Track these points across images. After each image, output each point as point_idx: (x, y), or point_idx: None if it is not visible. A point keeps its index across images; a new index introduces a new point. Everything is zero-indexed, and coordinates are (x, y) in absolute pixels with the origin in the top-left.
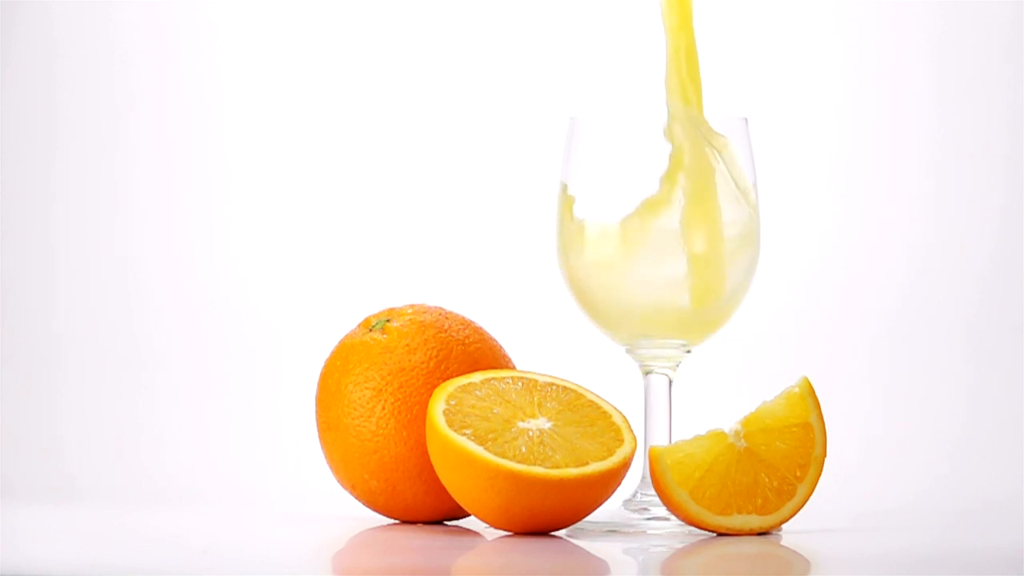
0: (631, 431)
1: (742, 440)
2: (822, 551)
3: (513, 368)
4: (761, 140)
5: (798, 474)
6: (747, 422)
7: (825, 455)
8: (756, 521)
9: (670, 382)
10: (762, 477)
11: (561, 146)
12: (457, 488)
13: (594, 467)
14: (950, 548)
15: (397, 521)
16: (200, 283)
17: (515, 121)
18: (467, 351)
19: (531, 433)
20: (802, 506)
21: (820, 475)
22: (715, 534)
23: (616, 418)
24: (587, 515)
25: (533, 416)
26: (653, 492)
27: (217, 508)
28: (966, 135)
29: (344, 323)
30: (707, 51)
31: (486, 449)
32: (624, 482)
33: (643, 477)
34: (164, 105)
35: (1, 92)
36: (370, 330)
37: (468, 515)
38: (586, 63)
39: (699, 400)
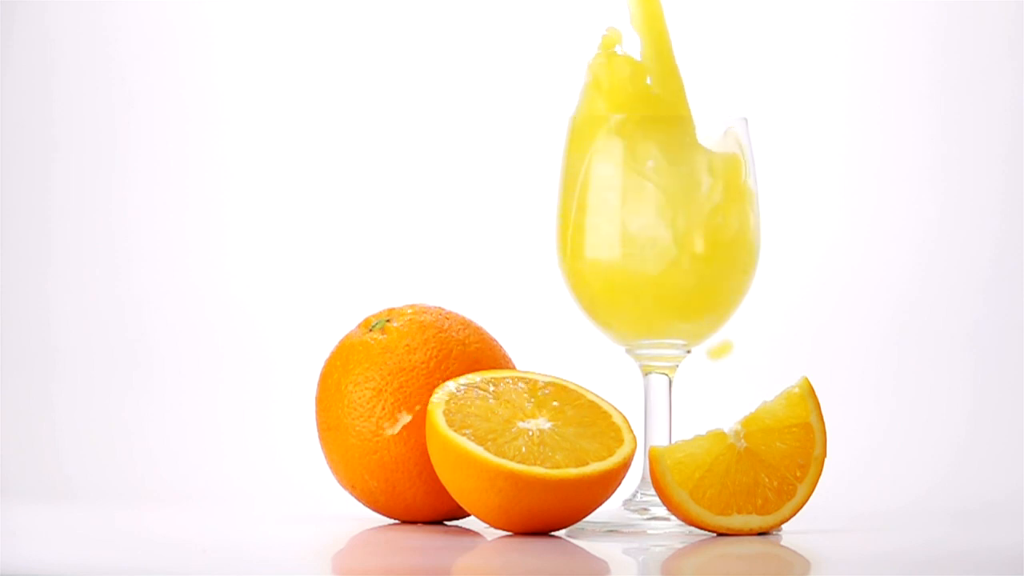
0: (631, 431)
1: (742, 440)
2: (822, 551)
3: (513, 368)
4: (761, 140)
5: (798, 474)
6: (747, 422)
7: (825, 455)
8: (756, 521)
9: (670, 382)
10: (762, 477)
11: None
12: (457, 488)
13: (594, 467)
14: (950, 548)
15: (397, 521)
16: (199, 284)
17: (515, 121)
18: (467, 351)
19: (531, 433)
20: (802, 506)
21: (820, 475)
22: (715, 534)
23: (616, 418)
24: (587, 515)
25: (533, 416)
26: (653, 492)
27: (216, 508)
28: (969, 135)
29: (344, 323)
30: (708, 51)
31: (486, 449)
32: (624, 482)
33: (643, 477)
34: (162, 107)
35: None
36: (370, 330)
37: (468, 515)
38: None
39: (699, 400)
